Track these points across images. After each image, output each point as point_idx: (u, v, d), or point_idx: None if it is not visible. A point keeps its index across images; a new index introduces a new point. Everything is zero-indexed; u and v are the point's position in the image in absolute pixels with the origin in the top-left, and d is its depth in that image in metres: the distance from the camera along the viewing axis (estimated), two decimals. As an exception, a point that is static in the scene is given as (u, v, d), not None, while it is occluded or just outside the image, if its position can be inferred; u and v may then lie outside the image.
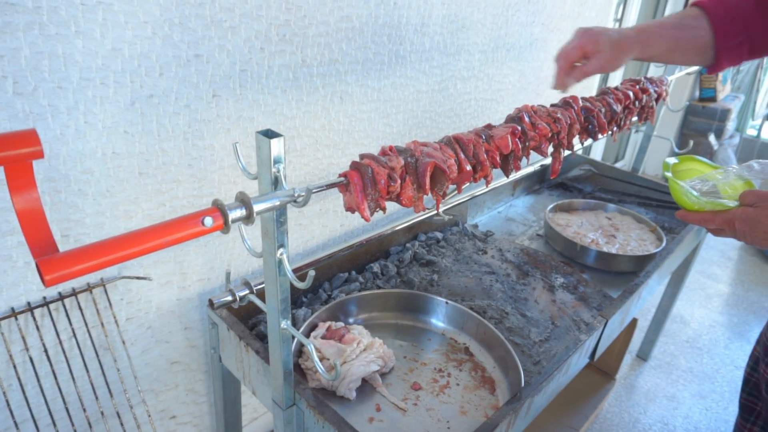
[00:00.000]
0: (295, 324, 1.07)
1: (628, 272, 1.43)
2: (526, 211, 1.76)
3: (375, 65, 1.19)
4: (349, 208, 0.76)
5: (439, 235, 1.44)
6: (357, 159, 0.79)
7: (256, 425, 1.35)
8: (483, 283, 1.31)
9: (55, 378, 0.89)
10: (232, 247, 1.10)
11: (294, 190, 0.66)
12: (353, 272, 1.25)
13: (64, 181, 0.82)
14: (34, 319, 0.85)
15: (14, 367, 0.84)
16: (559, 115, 1.05)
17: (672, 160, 1.07)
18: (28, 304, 0.85)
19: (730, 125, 3.59)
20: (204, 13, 0.87)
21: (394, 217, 1.46)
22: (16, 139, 0.46)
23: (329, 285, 1.20)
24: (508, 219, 1.69)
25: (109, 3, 0.77)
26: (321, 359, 0.96)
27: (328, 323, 1.04)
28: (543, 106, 1.08)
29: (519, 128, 0.97)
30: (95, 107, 0.81)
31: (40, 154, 0.47)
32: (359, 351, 0.99)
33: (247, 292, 0.88)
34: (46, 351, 0.87)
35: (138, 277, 0.94)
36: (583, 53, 0.93)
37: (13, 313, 0.83)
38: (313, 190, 0.67)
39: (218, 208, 0.59)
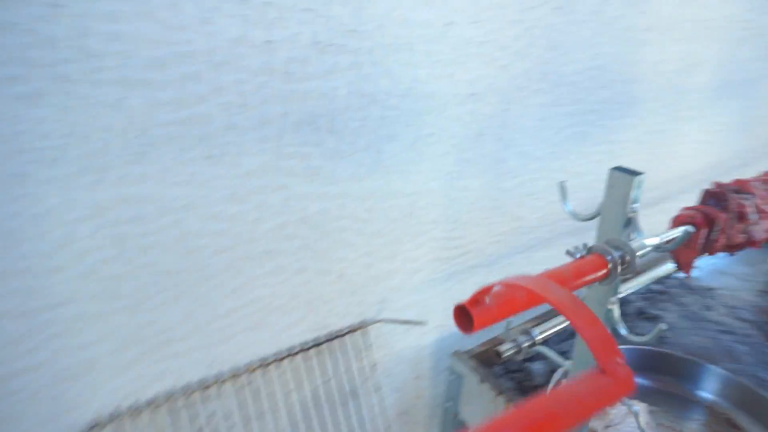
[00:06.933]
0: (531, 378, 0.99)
1: None
2: (734, 262, 1.57)
3: (613, 105, 1.12)
4: (680, 262, 0.68)
5: (658, 287, 1.31)
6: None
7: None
8: (722, 342, 1.15)
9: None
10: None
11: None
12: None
13: (350, 219, 0.81)
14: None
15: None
16: None
17: None
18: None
19: None
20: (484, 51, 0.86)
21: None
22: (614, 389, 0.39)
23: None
24: (719, 271, 1.52)
25: (412, 43, 0.77)
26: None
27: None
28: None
29: None
30: (385, 146, 0.81)
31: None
32: (623, 414, 0.88)
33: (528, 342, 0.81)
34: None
35: (411, 322, 0.91)
36: None
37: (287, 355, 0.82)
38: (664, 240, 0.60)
39: (602, 254, 0.53)
